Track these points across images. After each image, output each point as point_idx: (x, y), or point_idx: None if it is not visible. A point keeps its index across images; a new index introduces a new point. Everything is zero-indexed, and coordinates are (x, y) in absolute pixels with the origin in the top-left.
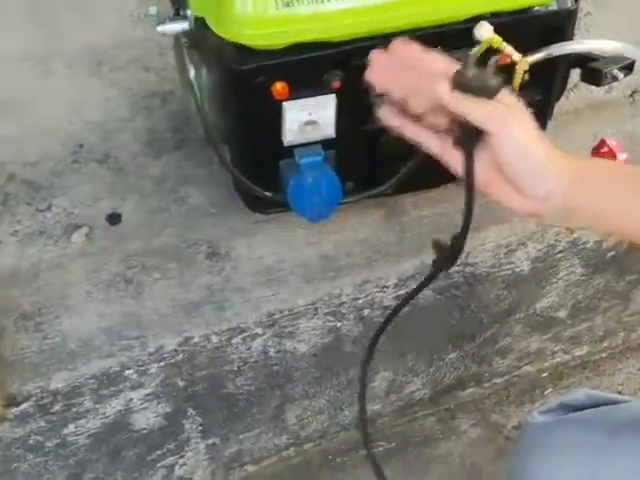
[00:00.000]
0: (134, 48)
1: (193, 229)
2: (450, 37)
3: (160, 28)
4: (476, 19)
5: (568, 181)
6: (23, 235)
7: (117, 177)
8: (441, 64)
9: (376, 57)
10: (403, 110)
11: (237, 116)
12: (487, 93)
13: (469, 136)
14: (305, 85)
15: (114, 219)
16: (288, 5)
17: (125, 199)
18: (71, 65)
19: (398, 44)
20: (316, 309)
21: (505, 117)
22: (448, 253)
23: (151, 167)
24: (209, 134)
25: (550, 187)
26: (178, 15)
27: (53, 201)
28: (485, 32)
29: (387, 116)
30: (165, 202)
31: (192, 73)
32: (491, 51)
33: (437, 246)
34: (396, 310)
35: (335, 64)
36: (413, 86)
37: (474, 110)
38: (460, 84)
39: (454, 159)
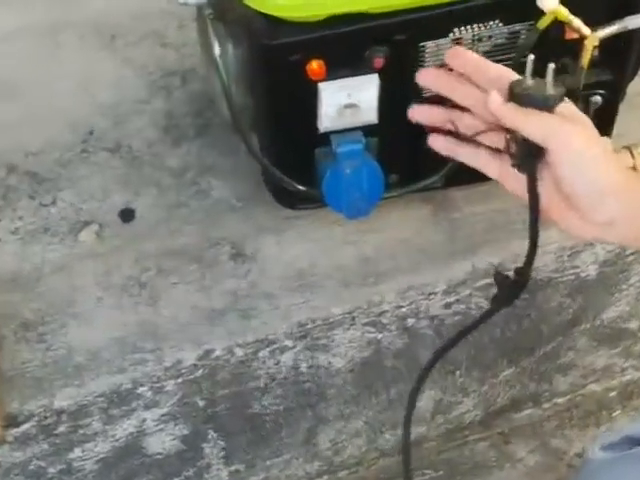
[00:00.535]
0: (151, 20)
1: (216, 226)
2: (508, 9)
3: None
4: None
5: (637, 208)
6: (25, 233)
7: (131, 168)
8: (496, 72)
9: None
10: (454, 133)
11: (267, 98)
12: (546, 104)
13: (529, 155)
14: (344, 63)
15: (127, 215)
16: None
17: (139, 193)
18: (81, 38)
19: (453, 52)
20: (353, 318)
21: (566, 132)
22: (511, 289)
23: (169, 156)
24: (236, 119)
25: (613, 213)
26: None
27: (59, 195)
28: (550, 2)
29: (438, 144)
30: (185, 196)
31: (217, 49)
32: (556, 24)
33: (500, 279)
34: (445, 348)
35: (378, 39)
36: (466, 97)
37: (531, 124)
38: (516, 95)
39: (515, 180)
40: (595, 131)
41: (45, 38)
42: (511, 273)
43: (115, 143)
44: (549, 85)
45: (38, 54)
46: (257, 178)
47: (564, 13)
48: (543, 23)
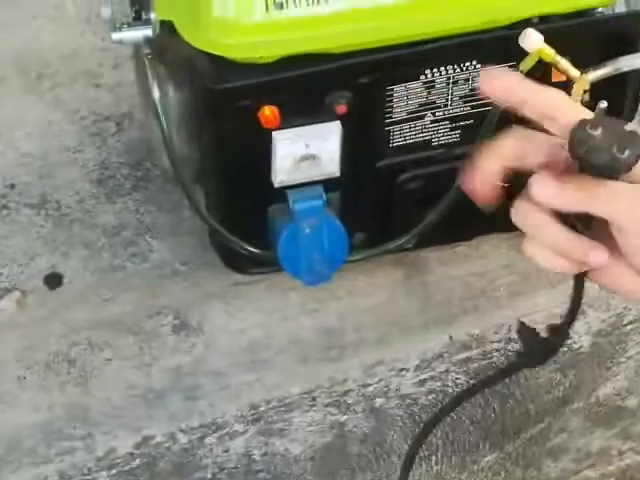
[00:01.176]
0: (82, 58)
1: (156, 294)
2: (486, 48)
3: (116, 35)
4: (520, 24)
5: None
6: None
7: (58, 227)
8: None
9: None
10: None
11: (214, 148)
12: (615, 171)
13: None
14: (301, 110)
15: (54, 281)
16: (281, 7)
17: (68, 255)
18: (2, 79)
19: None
20: (314, 399)
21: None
22: (542, 347)
23: (102, 213)
24: (177, 170)
25: None
26: (139, 19)
27: None
28: (533, 41)
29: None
30: (120, 259)
31: (156, 92)
32: (541, 65)
33: (525, 333)
34: (443, 411)
35: (340, 82)
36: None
37: (600, 203)
38: (579, 155)
39: None
40: None
41: None
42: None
43: (40, 198)
44: (620, 140)
45: None
46: (203, 238)
47: (550, 53)
48: (527, 65)
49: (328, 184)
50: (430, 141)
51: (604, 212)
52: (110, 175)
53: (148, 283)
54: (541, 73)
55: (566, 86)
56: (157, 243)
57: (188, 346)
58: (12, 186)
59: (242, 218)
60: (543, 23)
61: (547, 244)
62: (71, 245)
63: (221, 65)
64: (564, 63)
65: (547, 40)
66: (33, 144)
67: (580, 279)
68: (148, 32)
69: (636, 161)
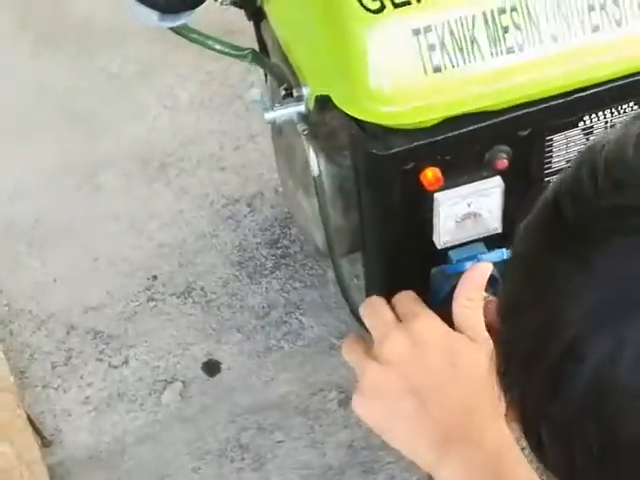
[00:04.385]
0: (202, 143)
1: (316, 370)
2: (631, 91)
3: (269, 115)
4: None
5: None
6: (98, 401)
7: (207, 313)
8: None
9: None
10: None
11: (377, 215)
12: None
13: None
14: (462, 169)
15: (212, 368)
16: (439, 70)
17: (221, 341)
18: (125, 172)
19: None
20: None
21: None
22: None
23: (249, 295)
24: (333, 246)
25: None
26: (290, 96)
27: (130, 353)
28: None
29: None
30: (275, 338)
31: (316, 168)
32: None
33: None
34: None
35: (500, 138)
36: None
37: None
38: None
39: None
40: None
41: (83, 178)
42: None
43: (184, 286)
44: None
45: (80, 197)
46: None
47: None
48: None
49: (489, 240)
50: None
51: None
52: (250, 256)
53: (307, 360)
54: None
55: None
56: (309, 319)
57: (358, 419)
58: (154, 277)
59: (405, 283)
60: None
61: None
62: (223, 330)
63: (382, 132)
64: None
65: None
66: (168, 234)
67: None
68: (301, 108)
69: None
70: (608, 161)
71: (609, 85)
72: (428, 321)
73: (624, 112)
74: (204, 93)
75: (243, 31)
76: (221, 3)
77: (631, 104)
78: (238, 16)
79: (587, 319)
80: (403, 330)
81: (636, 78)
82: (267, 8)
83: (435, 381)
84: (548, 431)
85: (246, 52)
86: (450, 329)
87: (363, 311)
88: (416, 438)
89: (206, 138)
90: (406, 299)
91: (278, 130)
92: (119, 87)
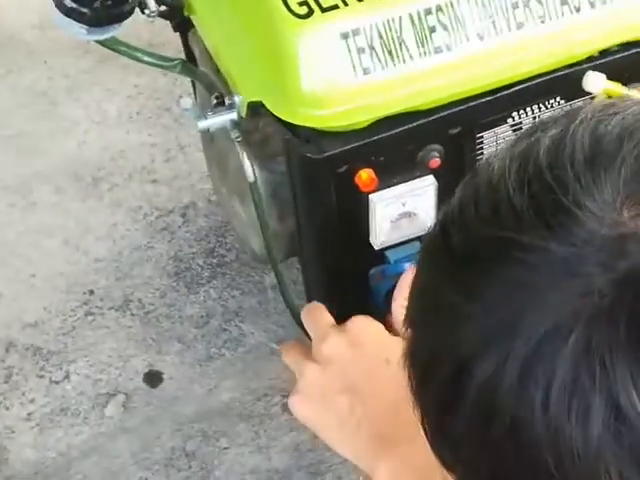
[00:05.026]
0: (133, 156)
1: (258, 376)
2: (570, 82)
3: (202, 123)
4: (600, 57)
5: None
6: (41, 417)
7: (146, 325)
8: None
9: None
10: None
11: (313, 218)
12: None
13: None
14: (396, 169)
15: (154, 379)
16: (369, 72)
17: (162, 351)
18: (57, 188)
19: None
20: None
21: None
22: None
23: (187, 305)
24: (272, 251)
25: None
26: (222, 104)
27: (71, 367)
28: (597, 83)
29: None
30: (215, 347)
31: (251, 175)
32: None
33: None
34: None
35: (432, 137)
36: None
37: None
38: None
39: None
40: None
41: (16, 194)
42: None
43: (122, 299)
44: None
45: (13, 214)
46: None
47: (616, 90)
48: None
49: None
50: None
51: None
52: (186, 266)
53: (248, 367)
54: None
55: None
56: (247, 326)
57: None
58: (92, 292)
59: (344, 285)
60: (624, 50)
61: None
62: (163, 341)
63: (315, 135)
64: (635, 94)
65: (611, 74)
66: (104, 248)
67: None
68: (233, 116)
69: None
70: (488, 187)
71: (535, 81)
72: (364, 321)
73: (551, 107)
74: (132, 107)
75: (164, 44)
76: (148, 15)
77: (557, 98)
78: (159, 29)
79: (475, 341)
80: (340, 331)
81: (561, 73)
82: (195, 18)
83: (370, 380)
84: (448, 446)
85: (175, 62)
86: (385, 329)
87: (303, 315)
88: (351, 438)
89: (136, 151)
90: None
91: (209, 139)
92: (47, 103)
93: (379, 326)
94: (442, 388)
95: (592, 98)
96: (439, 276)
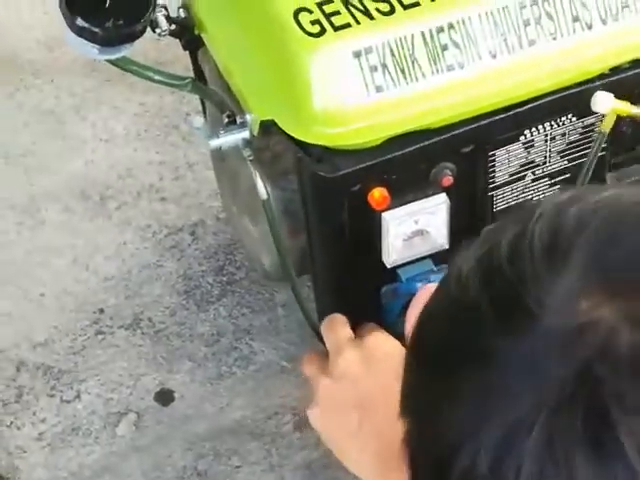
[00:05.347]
0: (141, 174)
1: (269, 394)
2: (581, 100)
3: (214, 142)
4: (611, 74)
5: None
6: (52, 437)
7: (156, 343)
8: None
9: None
10: None
11: (325, 237)
12: None
13: None
14: (408, 187)
15: (165, 398)
16: (381, 90)
17: (173, 370)
18: (66, 207)
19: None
20: None
21: None
22: None
23: (197, 323)
24: (288, 268)
25: None
26: (233, 122)
27: (81, 387)
28: (605, 103)
29: None
30: (226, 365)
31: (264, 193)
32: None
33: None
34: None
35: (444, 155)
36: None
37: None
38: None
39: None
40: None
41: (24, 214)
42: None
43: (132, 318)
44: None
45: (21, 234)
46: (301, 331)
47: (625, 109)
48: (607, 125)
49: (436, 257)
50: (531, 200)
51: None
52: (196, 284)
53: (259, 385)
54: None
55: None
56: (258, 344)
57: (314, 440)
58: (101, 311)
59: (355, 303)
60: (615, 74)
61: None
62: (174, 359)
63: (327, 154)
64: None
65: (619, 92)
66: (113, 266)
67: None
68: (245, 134)
69: None
70: (456, 290)
71: (547, 98)
72: (381, 337)
73: (563, 124)
74: (139, 125)
75: (171, 62)
76: (159, 34)
77: (569, 116)
78: (165, 47)
79: (451, 436)
80: (356, 346)
81: (573, 90)
82: (206, 36)
83: (381, 397)
84: None
85: (186, 81)
86: (402, 345)
87: (323, 327)
88: (358, 454)
89: (144, 169)
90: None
91: (220, 157)
92: (54, 122)
93: (395, 343)
94: (428, 473)
95: (602, 117)
96: (418, 374)
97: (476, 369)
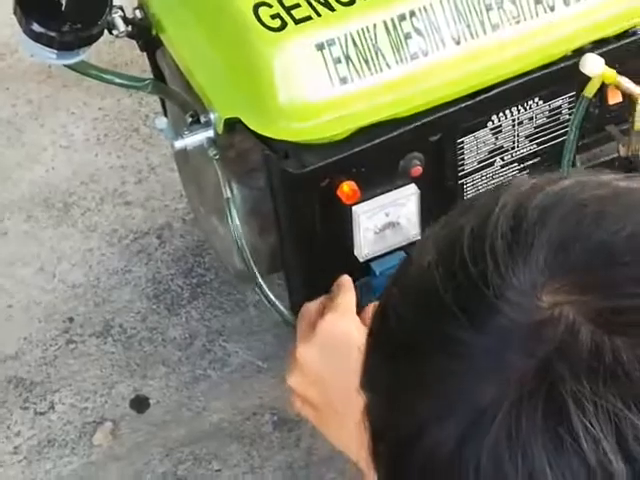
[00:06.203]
0: (103, 179)
1: (247, 395)
2: (548, 83)
3: (179, 143)
4: (575, 55)
5: None
6: (28, 450)
7: (129, 350)
8: None
9: None
10: None
11: (296, 232)
12: None
13: None
14: (377, 179)
15: (141, 404)
16: (346, 81)
17: (147, 376)
18: (29, 216)
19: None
20: None
21: None
22: None
23: (169, 327)
24: (252, 267)
25: None
26: (197, 122)
27: (55, 398)
28: (595, 66)
29: None
30: (201, 368)
31: (227, 192)
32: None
33: None
34: None
35: (412, 145)
36: None
37: None
38: None
39: None
40: None
41: None
42: None
43: (102, 325)
44: None
45: None
46: (276, 330)
47: (611, 75)
48: (590, 90)
49: (409, 249)
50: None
51: None
52: (165, 288)
53: (236, 386)
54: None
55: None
56: (232, 345)
57: (294, 440)
58: (71, 319)
59: None
60: (598, 47)
61: None
62: (147, 365)
63: (294, 150)
64: (626, 82)
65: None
66: (80, 274)
67: None
68: (210, 133)
69: None
70: (420, 277)
71: (513, 83)
72: (332, 320)
73: (530, 108)
74: (99, 129)
75: (127, 64)
76: (116, 36)
77: (536, 99)
78: (119, 49)
79: (412, 424)
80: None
81: (539, 74)
82: (164, 36)
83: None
84: None
85: (147, 82)
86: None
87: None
88: (338, 429)
89: (107, 174)
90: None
91: (184, 158)
92: (13, 130)
93: (347, 321)
94: (388, 456)
95: (574, 95)
96: (380, 357)
97: (442, 357)
